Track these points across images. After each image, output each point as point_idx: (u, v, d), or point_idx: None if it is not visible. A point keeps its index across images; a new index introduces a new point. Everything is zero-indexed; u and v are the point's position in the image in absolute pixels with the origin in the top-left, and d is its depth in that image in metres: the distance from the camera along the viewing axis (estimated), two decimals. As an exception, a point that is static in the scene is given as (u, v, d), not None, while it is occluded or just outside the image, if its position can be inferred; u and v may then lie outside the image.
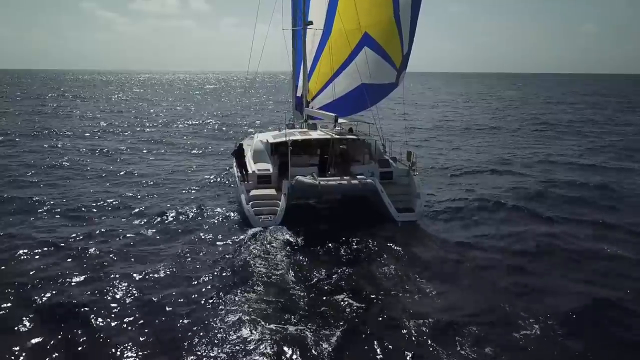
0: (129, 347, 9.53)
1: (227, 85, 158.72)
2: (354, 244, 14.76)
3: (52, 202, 19.08)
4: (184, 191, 21.58)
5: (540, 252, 14.59)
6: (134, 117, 54.96)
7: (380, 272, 12.97)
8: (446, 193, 21.32)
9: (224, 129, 45.28)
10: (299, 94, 24.11)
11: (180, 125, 48.01)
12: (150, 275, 12.65)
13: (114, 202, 19.40)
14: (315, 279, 12.53)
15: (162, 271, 12.90)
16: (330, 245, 14.60)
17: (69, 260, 13.63)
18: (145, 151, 32.49)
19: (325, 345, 9.50)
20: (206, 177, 24.47)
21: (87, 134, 39.96)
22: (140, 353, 9.39)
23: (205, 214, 17.81)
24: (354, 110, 22.07)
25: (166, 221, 17.16)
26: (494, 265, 13.71)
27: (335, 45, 21.82)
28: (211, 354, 9.29)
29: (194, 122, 51.23)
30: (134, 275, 12.60)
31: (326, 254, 14.13)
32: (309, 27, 21.83)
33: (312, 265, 13.24)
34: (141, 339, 9.84)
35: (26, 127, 42.72)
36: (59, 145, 33.61)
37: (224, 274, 12.86)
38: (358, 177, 16.97)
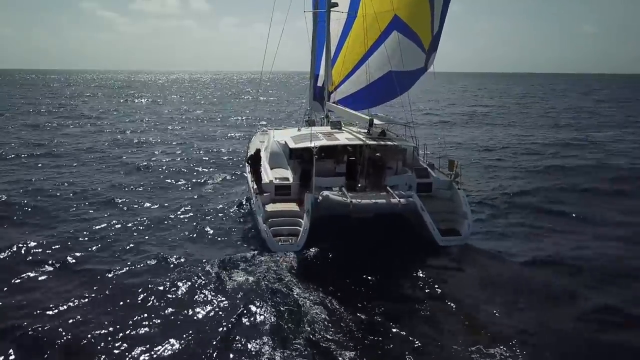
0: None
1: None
2: (389, 273, 12.40)
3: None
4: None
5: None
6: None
7: (424, 311, 10.64)
8: (495, 204, 18.71)
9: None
10: (319, 83, 22.32)
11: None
12: (142, 305, 10.78)
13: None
14: (344, 319, 10.26)
15: (161, 305, 10.84)
16: (361, 274, 12.21)
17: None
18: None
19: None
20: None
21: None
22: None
23: (222, 231, 15.69)
24: (382, 99, 20.21)
25: (179, 237, 15.04)
26: (570, 300, 11.21)
27: (361, 30, 20.02)
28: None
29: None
30: (124, 302, 10.92)
31: (357, 286, 11.71)
32: (333, 9, 20.01)
33: (341, 302, 10.86)
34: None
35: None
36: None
37: (232, 308, 10.53)
38: (396, 193, 14.27)
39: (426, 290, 11.62)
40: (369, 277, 12.11)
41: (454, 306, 10.86)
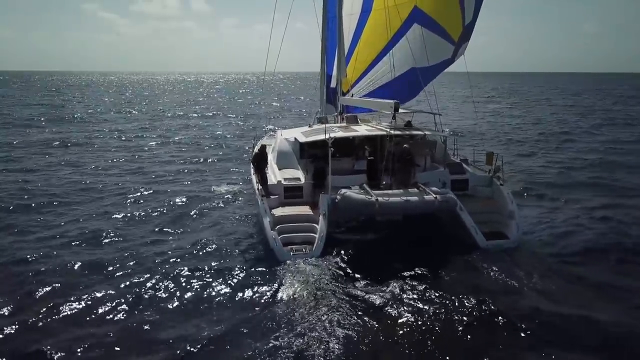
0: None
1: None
2: (425, 289, 10.38)
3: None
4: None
5: None
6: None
7: (469, 332, 8.90)
8: (542, 203, 16.88)
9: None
10: (332, 84, 20.70)
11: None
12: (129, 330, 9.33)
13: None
14: (364, 345, 8.55)
15: (152, 329, 9.27)
16: (390, 288, 10.32)
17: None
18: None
19: None
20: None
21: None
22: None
23: (224, 241, 13.68)
24: (405, 98, 18.73)
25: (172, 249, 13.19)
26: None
27: (377, 24, 18.57)
28: None
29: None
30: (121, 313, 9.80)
31: (385, 302, 9.89)
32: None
33: (365, 323, 9.15)
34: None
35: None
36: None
37: (231, 334, 8.92)
38: (430, 189, 12.38)
39: (474, 313, 9.67)
40: (401, 293, 10.22)
41: (513, 327, 9.10)
